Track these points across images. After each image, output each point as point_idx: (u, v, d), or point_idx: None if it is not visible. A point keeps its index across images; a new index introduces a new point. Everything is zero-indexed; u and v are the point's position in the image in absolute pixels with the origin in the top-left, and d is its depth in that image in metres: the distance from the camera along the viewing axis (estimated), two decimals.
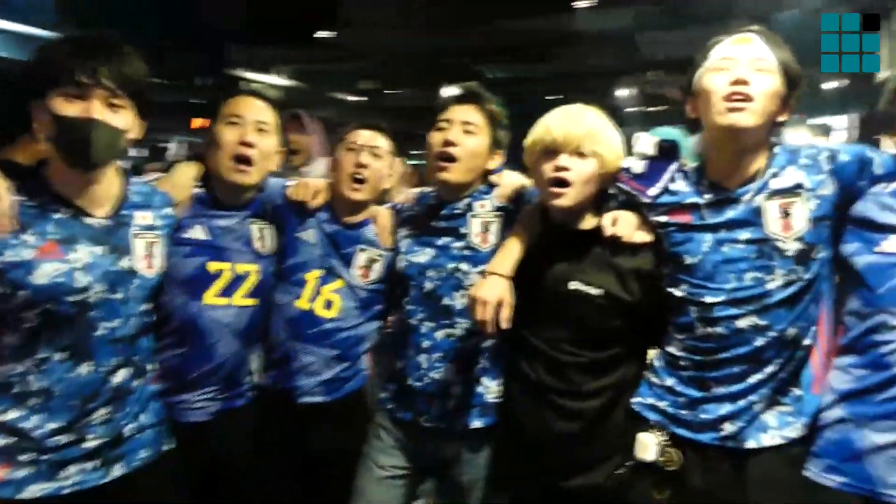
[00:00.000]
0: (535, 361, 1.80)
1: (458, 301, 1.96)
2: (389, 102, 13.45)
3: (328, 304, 2.12)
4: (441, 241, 2.03)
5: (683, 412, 1.65)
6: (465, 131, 1.99)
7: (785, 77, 1.60)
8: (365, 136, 2.14)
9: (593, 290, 1.73)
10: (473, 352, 1.97)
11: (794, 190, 1.59)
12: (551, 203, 1.77)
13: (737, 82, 1.55)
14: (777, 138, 1.69)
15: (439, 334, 1.99)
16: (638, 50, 9.49)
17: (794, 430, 1.61)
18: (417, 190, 2.28)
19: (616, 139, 1.79)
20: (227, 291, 2.01)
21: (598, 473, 1.75)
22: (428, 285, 2.01)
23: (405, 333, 2.05)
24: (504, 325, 1.72)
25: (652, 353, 1.82)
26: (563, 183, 1.72)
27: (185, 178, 2.03)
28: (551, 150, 1.74)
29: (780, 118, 1.62)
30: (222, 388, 2.03)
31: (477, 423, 1.97)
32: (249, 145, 1.98)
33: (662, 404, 1.69)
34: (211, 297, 1.99)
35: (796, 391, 1.63)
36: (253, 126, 2.00)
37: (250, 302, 2.05)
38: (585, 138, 1.73)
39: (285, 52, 11.27)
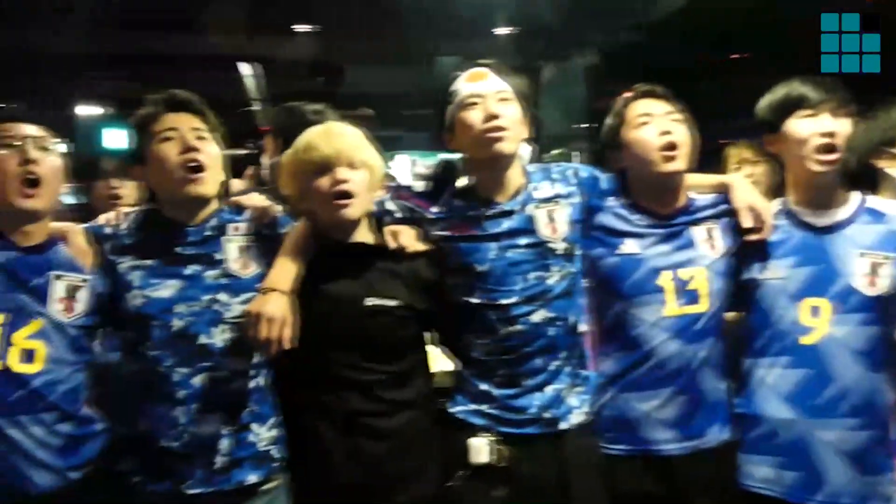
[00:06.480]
0: (341, 389, 1.75)
1: (217, 338, 1.72)
2: None
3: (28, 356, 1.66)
4: (189, 270, 1.75)
5: (504, 412, 1.82)
6: (199, 137, 1.76)
7: (522, 101, 1.86)
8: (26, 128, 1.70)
9: (390, 303, 1.76)
10: (239, 396, 1.75)
11: (554, 199, 1.89)
12: (337, 216, 1.76)
13: (490, 117, 1.79)
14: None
15: (197, 380, 1.70)
16: None
17: (589, 406, 1.88)
18: (123, 210, 1.87)
19: (374, 150, 1.84)
20: None
21: (422, 486, 1.78)
22: (178, 323, 1.71)
23: (150, 384, 1.72)
24: (287, 345, 1.65)
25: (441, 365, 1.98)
26: (347, 195, 1.75)
27: None
28: (325, 167, 1.75)
29: (524, 137, 1.90)
30: None
31: (252, 478, 1.73)
32: None
33: (484, 408, 1.83)
34: None
35: (583, 372, 1.90)
36: None
37: None
38: (355, 150, 1.77)
39: None
